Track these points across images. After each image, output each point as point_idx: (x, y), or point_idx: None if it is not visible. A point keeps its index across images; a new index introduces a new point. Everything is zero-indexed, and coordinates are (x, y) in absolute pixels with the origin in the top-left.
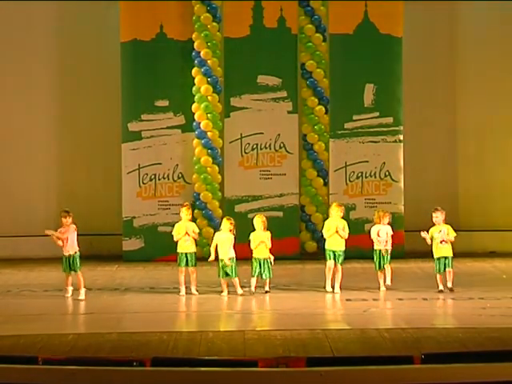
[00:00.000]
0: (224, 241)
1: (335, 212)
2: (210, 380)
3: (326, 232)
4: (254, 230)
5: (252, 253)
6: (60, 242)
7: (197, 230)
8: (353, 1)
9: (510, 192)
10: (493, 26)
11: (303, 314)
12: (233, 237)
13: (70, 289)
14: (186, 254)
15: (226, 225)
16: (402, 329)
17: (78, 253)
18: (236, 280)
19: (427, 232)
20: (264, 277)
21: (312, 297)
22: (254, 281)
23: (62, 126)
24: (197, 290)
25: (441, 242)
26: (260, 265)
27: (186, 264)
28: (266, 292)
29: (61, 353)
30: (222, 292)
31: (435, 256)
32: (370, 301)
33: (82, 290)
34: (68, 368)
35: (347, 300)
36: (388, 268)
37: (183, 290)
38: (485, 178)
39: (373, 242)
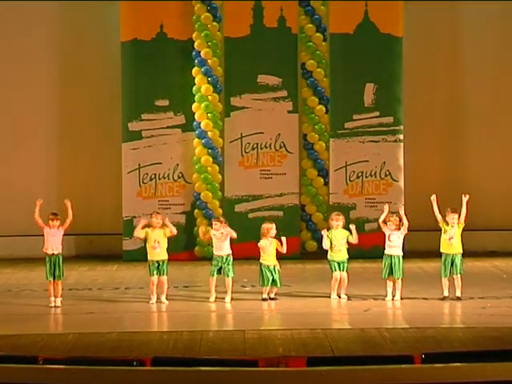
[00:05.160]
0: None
1: (334, 223)
2: (210, 380)
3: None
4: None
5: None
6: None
7: (167, 233)
8: (353, 1)
9: (510, 192)
10: (493, 25)
11: (303, 314)
12: (225, 232)
13: (53, 299)
14: (157, 261)
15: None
16: (403, 328)
17: (61, 255)
18: (229, 281)
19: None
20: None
21: (312, 296)
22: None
23: (62, 126)
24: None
25: (449, 239)
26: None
27: (158, 273)
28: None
29: (61, 353)
30: (209, 297)
31: (442, 250)
32: (370, 300)
33: (59, 299)
34: (68, 368)
35: (347, 299)
36: (399, 281)
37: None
38: (485, 177)
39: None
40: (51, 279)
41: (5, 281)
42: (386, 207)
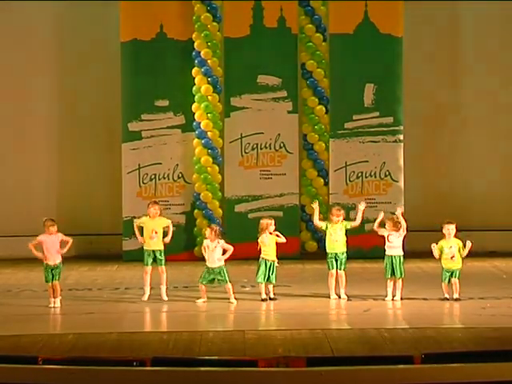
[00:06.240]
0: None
1: (334, 218)
2: (210, 380)
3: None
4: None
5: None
6: (40, 254)
7: (164, 224)
8: (353, 1)
9: (510, 191)
10: (493, 25)
11: (303, 314)
12: (219, 244)
13: (53, 300)
14: (153, 251)
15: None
16: (403, 329)
17: (61, 263)
18: (229, 286)
19: (436, 245)
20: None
21: (312, 297)
22: (262, 287)
23: (62, 126)
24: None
25: (451, 258)
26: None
27: (156, 263)
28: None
29: (61, 353)
30: (199, 298)
31: (444, 267)
32: (370, 301)
33: (58, 299)
34: (68, 368)
35: (347, 300)
36: (400, 281)
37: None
38: (485, 177)
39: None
40: (51, 282)
41: (5, 281)
42: (381, 214)
